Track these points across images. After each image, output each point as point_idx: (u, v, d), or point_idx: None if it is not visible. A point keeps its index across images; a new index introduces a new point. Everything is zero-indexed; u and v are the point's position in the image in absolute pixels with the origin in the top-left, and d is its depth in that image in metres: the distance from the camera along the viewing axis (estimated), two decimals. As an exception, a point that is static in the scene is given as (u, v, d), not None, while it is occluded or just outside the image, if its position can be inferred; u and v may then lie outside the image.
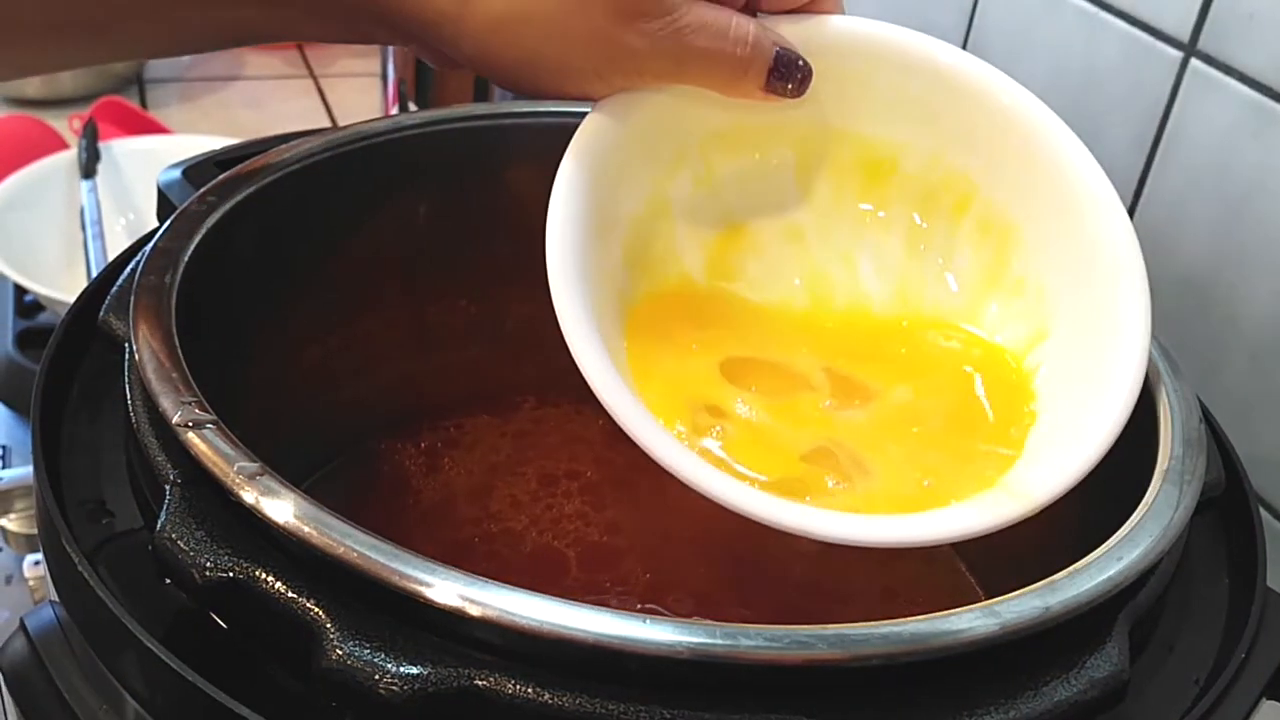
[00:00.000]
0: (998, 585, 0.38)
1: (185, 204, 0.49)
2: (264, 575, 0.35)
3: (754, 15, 0.45)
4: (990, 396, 0.45)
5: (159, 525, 0.36)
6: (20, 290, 0.89)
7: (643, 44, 0.42)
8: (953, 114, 0.46)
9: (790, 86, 0.44)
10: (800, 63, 0.44)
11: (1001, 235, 0.47)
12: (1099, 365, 0.42)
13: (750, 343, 0.47)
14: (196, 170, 0.54)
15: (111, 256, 0.53)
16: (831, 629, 0.33)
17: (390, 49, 0.98)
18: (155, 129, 1.10)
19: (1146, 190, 0.64)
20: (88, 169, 0.98)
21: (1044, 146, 0.45)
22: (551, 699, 0.33)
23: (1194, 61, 0.60)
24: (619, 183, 0.45)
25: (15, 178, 0.96)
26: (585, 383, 0.39)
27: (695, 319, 0.47)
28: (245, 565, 0.35)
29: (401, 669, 0.33)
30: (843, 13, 0.46)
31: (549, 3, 0.41)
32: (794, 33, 0.45)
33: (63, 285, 0.87)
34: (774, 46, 0.44)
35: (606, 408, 0.38)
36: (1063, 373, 0.44)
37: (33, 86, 1.17)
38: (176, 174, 0.54)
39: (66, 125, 1.09)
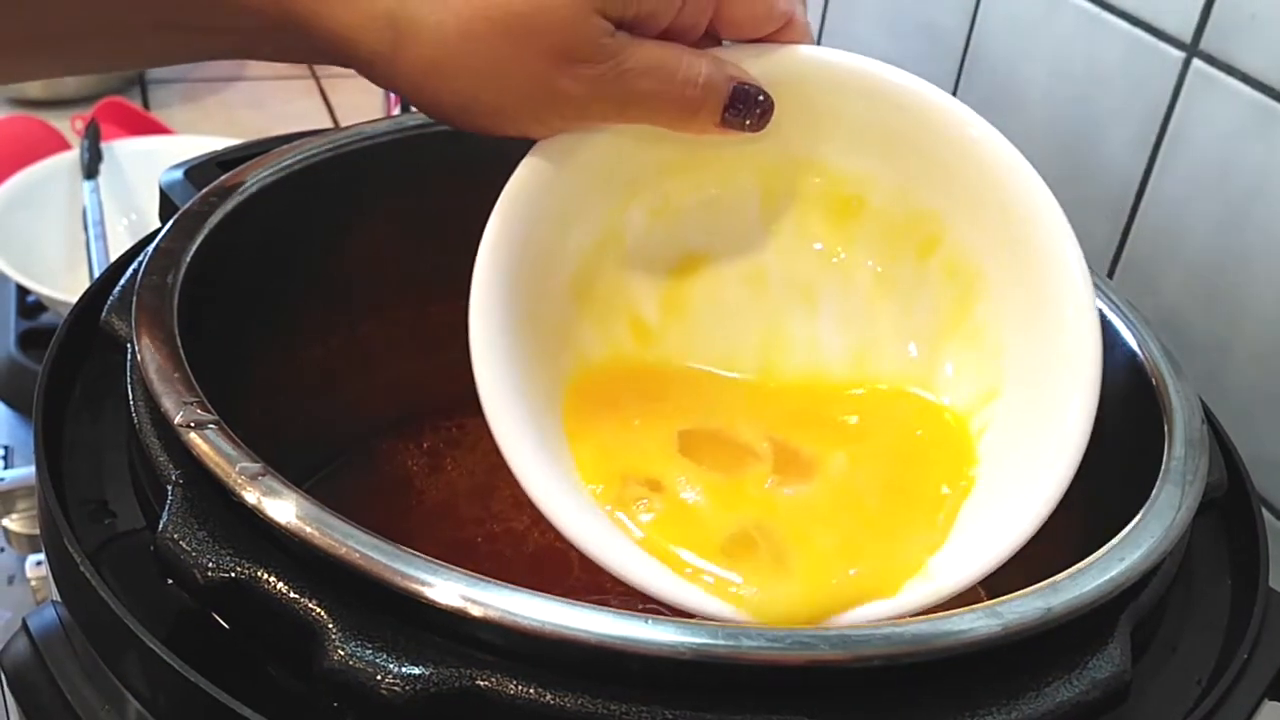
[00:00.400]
0: (999, 586, 0.38)
1: (187, 204, 0.49)
2: (266, 576, 0.35)
3: (719, 41, 0.43)
4: (933, 460, 0.43)
5: (161, 525, 0.36)
6: (22, 291, 0.89)
7: (582, 90, 0.40)
8: (922, 149, 0.44)
9: (749, 122, 0.42)
10: (760, 97, 0.42)
11: (966, 280, 0.45)
12: (1038, 445, 0.40)
13: (702, 414, 0.45)
14: (199, 171, 0.54)
15: (114, 257, 0.53)
16: (833, 630, 0.33)
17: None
18: (157, 129, 1.10)
19: (1149, 191, 0.64)
20: (90, 169, 0.98)
21: (1012, 192, 0.43)
22: (553, 699, 0.33)
23: (1196, 62, 0.60)
24: (565, 219, 0.44)
25: (17, 178, 0.96)
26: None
27: (645, 392, 0.45)
28: (247, 566, 0.35)
29: (403, 669, 0.33)
30: (811, 42, 0.45)
31: (482, 48, 0.39)
32: (758, 63, 0.43)
33: (65, 286, 0.87)
34: (730, 82, 0.42)
35: (499, 447, 0.37)
36: (1006, 440, 0.42)
37: (35, 87, 1.17)
38: (178, 174, 0.54)
39: (69, 126, 1.09)
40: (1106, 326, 0.49)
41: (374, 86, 0.44)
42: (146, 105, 1.22)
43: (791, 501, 0.42)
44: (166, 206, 0.53)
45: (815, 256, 0.47)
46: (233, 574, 0.35)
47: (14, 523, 0.68)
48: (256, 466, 0.36)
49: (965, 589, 0.38)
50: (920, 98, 0.44)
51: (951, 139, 0.44)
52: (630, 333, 0.46)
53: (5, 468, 0.77)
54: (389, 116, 0.58)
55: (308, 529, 0.34)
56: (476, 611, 0.33)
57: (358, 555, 0.34)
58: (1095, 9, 0.66)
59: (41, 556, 0.62)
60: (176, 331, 0.42)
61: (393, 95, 1.12)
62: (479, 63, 0.39)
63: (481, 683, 0.33)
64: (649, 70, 0.40)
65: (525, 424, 0.39)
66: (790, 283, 0.48)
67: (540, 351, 0.42)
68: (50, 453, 0.44)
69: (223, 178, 0.51)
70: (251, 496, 0.35)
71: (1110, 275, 0.67)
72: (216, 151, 0.56)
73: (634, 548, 0.38)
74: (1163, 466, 0.42)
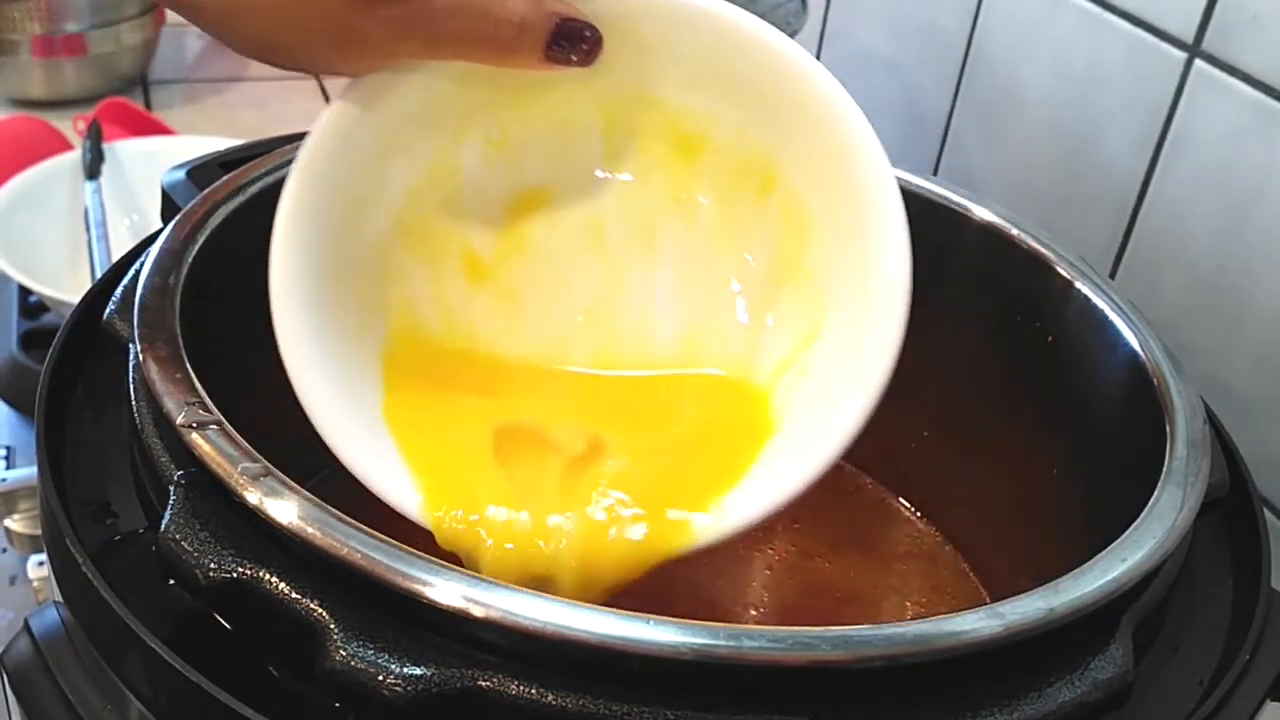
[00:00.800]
0: (1001, 586, 0.38)
1: (189, 205, 0.49)
2: (268, 576, 0.35)
3: None
4: (735, 428, 0.43)
5: (163, 526, 0.36)
6: (24, 291, 0.89)
7: (385, 32, 0.39)
8: (757, 88, 0.43)
9: (575, 58, 0.41)
10: (587, 32, 0.41)
11: (800, 222, 0.44)
12: (845, 384, 0.40)
13: (522, 407, 0.44)
14: (200, 171, 0.54)
15: (116, 257, 0.53)
16: (835, 630, 0.33)
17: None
18: (159, 130, 1.10)
19: (1151, 191, 0.64)
20: (92, 170, 0.98)
21: (838, 136, 0.42)
22: (554, 699, 0.33)
23: (1198, 62, 0.60)
24: (382, 157, 0.43)
25: (19, 179, 0.96)
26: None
27: (469, 378, 0.45)
28: (249, 566, 0.35)
29: (405, 670, 0.33)
30: None
31: None
32: None
33: (67, 286, 0.87)
34: (552, 18, 0.40)
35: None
36: (820, 383, 0.42)
37: (37, 87, 1.17)
38: (180, 175, 0.54)
39: (70, 126, 1.09)
40: (1108, 327, 0.49)
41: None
42: (148, 106, 1.22)
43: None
44: (168, 207, 0.53)
45: (657, 194, 0.47)
46: (234, 574, 0.35)
47: (16, 523, 0.68)
48: (258, 467, 0.36)
49: (757, 521, 0.39)
50: (752, 35, 0.43)
51: (784, 78, 0.43)
52: (463, 270, 0.46)
53: (7, 468, 0.77)
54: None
55: (309, 529, 0.34)
56: (478, 612, 0.33)
57: (359, 556, 0.34)
58: (1097, 10, 0.66)
59: (43, 557, 0.62)
60: (178, 332, 0.42)
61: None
62: (274, 8, 0.38)
63: (483, 683, 0.33)
64: (457, 10, 0.39)
65: (326, 369, 0.40)
66: (631, 222, 0.47)
67: (360, 296, 0.42)
68: (52, 453, 0.44)
69: (225, 178, 0.51)
70: (253, 497, 0.35)
71: (1112, 276, 0.67)
72: (218, 152, 0.56)
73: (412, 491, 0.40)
74: (1164, 467, 0.42)
